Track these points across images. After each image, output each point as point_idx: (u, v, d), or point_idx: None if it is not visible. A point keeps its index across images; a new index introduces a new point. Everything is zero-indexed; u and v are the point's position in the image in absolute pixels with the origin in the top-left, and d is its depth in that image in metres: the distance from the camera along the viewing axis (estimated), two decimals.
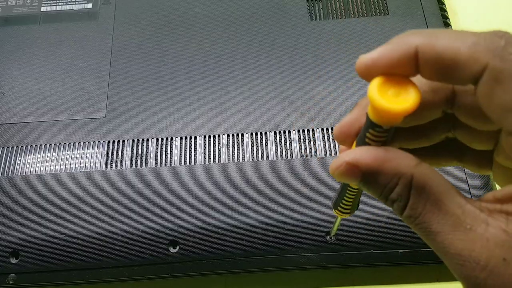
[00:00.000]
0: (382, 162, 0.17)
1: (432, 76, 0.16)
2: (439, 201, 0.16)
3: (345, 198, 0.22)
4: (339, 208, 0.24)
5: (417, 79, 0.17)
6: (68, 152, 0.39)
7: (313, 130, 0.39)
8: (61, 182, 0.38)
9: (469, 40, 0.15)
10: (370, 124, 0.17)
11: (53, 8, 0.47)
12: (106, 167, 0.38)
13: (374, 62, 0.16)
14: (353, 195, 0.22)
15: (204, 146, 0.39)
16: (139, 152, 0.39)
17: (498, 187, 0.37)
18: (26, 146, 0.40)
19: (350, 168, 0.17)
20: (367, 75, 0.17)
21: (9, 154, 0.39)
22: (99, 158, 0.39)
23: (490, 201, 0.16)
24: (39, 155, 0.39)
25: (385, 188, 0.17)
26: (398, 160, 0.17)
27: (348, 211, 0.24)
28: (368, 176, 0.17)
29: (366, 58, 0.16)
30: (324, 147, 0.38)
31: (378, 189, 0.17)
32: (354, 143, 0.19)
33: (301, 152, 0.38)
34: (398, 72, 0.16)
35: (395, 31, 0.44)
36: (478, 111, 0.16)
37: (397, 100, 0.16)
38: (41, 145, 0.40)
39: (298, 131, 0.39)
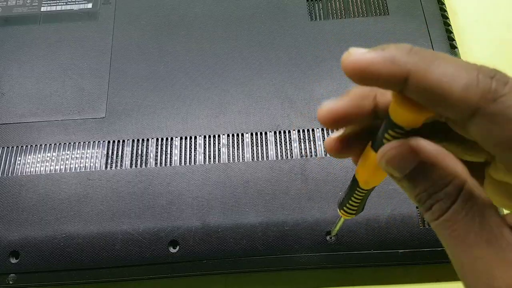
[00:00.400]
0: (444, 156, 0.16)
1: (418, 99, 0.16)
2: (482, 214, 0.16)
3: (352, 198, 0.22)
4: (345, 208, 0.23)
5: None
6: (68, 152, 0.39)
7: (313, 130, 0.39)
8: (61, 182, 0.38)
9: (462, 80, 0.14)
10: (390, 125, 0.17)
11: (53, 8, 0.47)
12: (106, 167, 0.38)
13: (365, 68, 0.15)
14: (361, 196, 0.22)
15: (204, 146, 0.39)
16: (139, 152, 0.39)
17: None
18: (26, 146, 0.40)
19: (409, 152, 0.16)
20: (355, 75, 0.16)
21: (9, 154, 0.39)
22: (99, 158, 0.39)
23: None
24: (39, 155, 0.39)
25: (435, 184, 0.16)
26: (456, 161, 0.16)
27: (354, 212, 0.23)
28: (422, 168, 0.16)
29: (353, 61, 0.15)
30: (324, 147, 0.38)
31: (426, 184, 0.16)
32: (369, 145, 0.19)
33: (301, 152, 0.38)
34: (383, 86, 0.16)
35: (395, 31, 0.44)
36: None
37: (413, 109, 0.16)
38: (41, 145, 0.40)
39: (298, 131, 0.39)
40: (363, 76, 0.15)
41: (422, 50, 0.15)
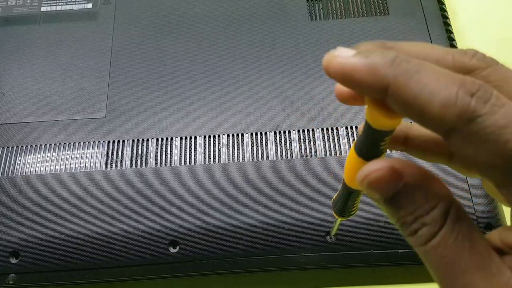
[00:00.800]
0: (428, 178, 0.16)
1: (397, 111, 0.15)
2: (470, 237, 0.15)
3: (344, 201, 0.22)
4: (339, 210, 0.24)
5: None
6: (68, 152, 0.39)
7: (313, 130, 0.39)
8: (61, 182, 0.38)
9: (440, 97, 0.14)
10: (368, 129, 0.17)
11: (53, 8, 0.47)
12: (106, 167, 0.38)
13: (346, 73, 0.15)
14: (352, 198, 0.22)
15: (204, 146, 0.39)
16: (139, 152, 0.39)
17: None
18: (26, 146, 0.40)
19: (390, 175, 0.16)
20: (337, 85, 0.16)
21: (9, 154, 0.39)
22: (99, 158, 0.39)
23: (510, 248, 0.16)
24: (39, 155, 0.39)
25: (420, 207, 0.16)
26: (441, 183, 0.16)
27: (348, 214, 0.24)
28: (406, 191, 0.16)
29: (337, 68, 0.15)
30: (324, 147, 0.38)
31: (411, 208, 0.16)
32: (352, 149, 0.19)
33: (301, 152, 0.38)
34: (364, 93, 0.16)
35: (395, 31, 0.44)
36: None
37: (387, 112, 0.16)
38: (41, 145, 0.40)
39: (298, 131, 0.39)
40: (346, 80, 0.15)
41: (407, 60, 0.15)
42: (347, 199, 0.22)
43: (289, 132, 0.39)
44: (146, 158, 0.39)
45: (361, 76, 0.15)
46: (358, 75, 0.15)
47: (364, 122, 0.17)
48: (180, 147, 0.39)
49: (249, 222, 0.36)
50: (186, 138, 0.39)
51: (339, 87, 0.18)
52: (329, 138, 0.39)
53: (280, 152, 0.39)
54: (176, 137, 0.40)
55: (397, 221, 0.16)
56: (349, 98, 0.18)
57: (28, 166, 0.39)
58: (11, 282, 0.35)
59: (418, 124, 0.15)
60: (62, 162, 0.39)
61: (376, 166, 0.16)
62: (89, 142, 0.40)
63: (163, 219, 0.36)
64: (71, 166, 0.39)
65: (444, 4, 0.46)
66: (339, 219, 0.25)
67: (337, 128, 0.39)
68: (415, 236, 0.16)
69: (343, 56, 0.16)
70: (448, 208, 0.15)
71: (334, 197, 0.24)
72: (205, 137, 0.39)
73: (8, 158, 0.39)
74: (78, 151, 0.39)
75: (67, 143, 0.40)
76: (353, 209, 0.23)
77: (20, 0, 0.48)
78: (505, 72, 0.16)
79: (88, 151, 0.39)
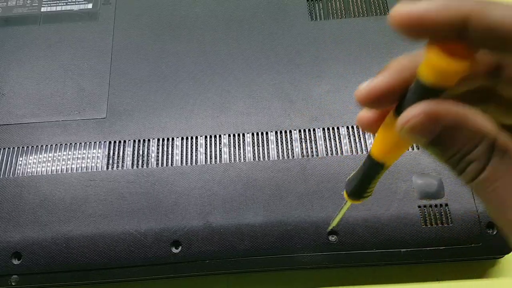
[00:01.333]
0: (467, 117, 0.15)
1: (481, 45, 0.15)
2: None
3: (366, 179, 0.21)
4: (355, 189, 0.21)
5: None
6: (69, 153, 0.39)
7: (314, 130, 0.39)
8: (62, 183, 0.38)
9: None
10: (420, 86, 0.16)
11: (53, 9, 0.47)
12: (107, 167, 0.38)
13: (420, 18, 0.15)
14: (375, 176, 0.20)
15: (205, 146, 0.39)
16: (141, 152, 0.39)
17: None
18: (27, 147, 0.40)
19: (428, 120, 0.15)
20: (402, 26, 0.15)
21: (10, 155, 0.39)
22: (101, 159, 0.39)
23: None
24: (40, 156, 0.39)
25: (464, 146, 0.15)
26: (483, 118, 0.15)
27: (363, 195, 0.22)
28: (447, 132, 0.15)
29: (408, 12, 0.15)
30: (325, 147, 0.39)
31: (455, 148, 0.16)
32: (391, 114, 0.17)
33: (302, 152, 0.38)
34: (440, 34, 0.15)
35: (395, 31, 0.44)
36: None
37: (454, 58, 0.15)
38: (42, 145, 0.40)
39: (299, 131, 0.39)
40: (418, 27, 0.15)
41: None
42: (367, 175, 0.20)
43: (290, 132, 0.39)
44: (147, 158, 0.39)
45: (434, 16, 0.14)
46: (431, 16, 0.14)
47: (413, 85, 0.16)
48: (182, 147, 0.39)
49: (251, 222, 0.36)
50: (187, 138, 0.40)
51: (362, 115, 0.18)
52: (330, 137, 0.39)
53: (281, 152, 0.39)
54: (178, 137, 0.40)
55: (445, 162, 0.16)
56: (373, 123, 0.18)
57: (29, 167, 0.39)
58: (13, 284, 0.35)
59: (502, 53, 0.15)
60: (63, 163, 0.39)
61: (412, 113, 0.16)
62: (90, 142, 0.40)
63: (165, 219, 0.36)
64: (72, 166, 0.39)
65: None
66: (345, 208, 0.24)
67: (338, 128, 0.39)
68: (464, 174, 0.16)
69: (408, 6, 0.15)
70: (493, 142, 0.15)
71: (350, 177, 0.22)
72: (206, 137, 0.39)
73: (9, 159, 0.39)
74: (79, 152, 0.39)
75: (68, 144, 0.40)
76: (369, 190, 0.21)
77: (20, 0, 0.48)
78: None
79: (89, 151, 0.39)
